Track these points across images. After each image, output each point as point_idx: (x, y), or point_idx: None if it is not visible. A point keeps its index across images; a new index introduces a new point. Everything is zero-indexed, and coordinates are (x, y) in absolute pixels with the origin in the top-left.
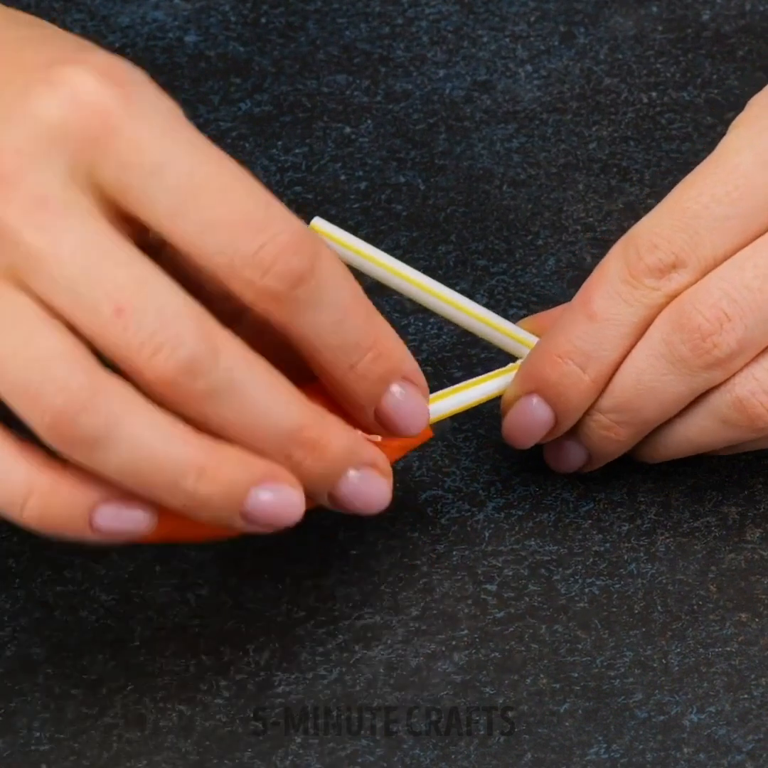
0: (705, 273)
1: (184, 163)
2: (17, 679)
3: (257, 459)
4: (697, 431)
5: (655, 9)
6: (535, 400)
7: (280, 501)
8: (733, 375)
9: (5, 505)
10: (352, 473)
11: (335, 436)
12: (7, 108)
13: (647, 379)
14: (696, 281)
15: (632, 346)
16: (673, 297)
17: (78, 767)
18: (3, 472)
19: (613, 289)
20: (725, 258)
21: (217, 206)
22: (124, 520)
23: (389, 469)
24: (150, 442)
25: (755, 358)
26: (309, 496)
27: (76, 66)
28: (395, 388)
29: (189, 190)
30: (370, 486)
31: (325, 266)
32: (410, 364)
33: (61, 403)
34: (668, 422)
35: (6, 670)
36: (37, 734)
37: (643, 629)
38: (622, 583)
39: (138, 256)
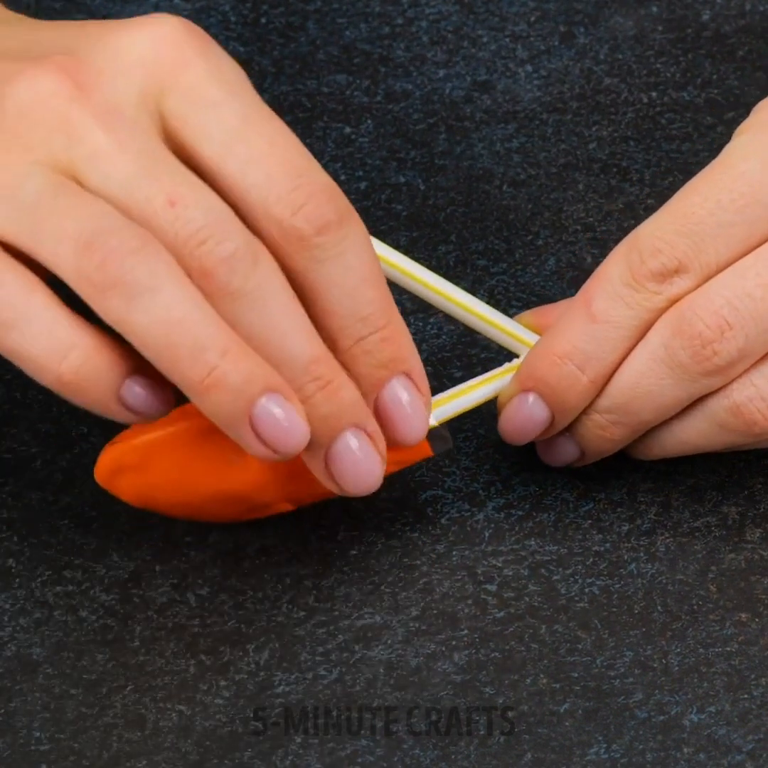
0: (707, 279)
1: (241, 105)
2: (17, 679)
3: (277, 373)
4: (694, 434)
5: (655, 9)
6: (532, 397)
7: (289, 419)
8: (732, 380)
9: (45, 356)
10: (351, 435)
11: (346, 384)
12: (92, 41)
13: (646, 383)
14: (697, 287)
15: (631, 349)
16: (674, 301)
17: (78, 767)
18: (50, 324)
19: (615, 291)
20: (728, 265)
21: (264, 146)
22: (149, 400)
23: (385, 454)
24: (187, 307)
25: (754, 365)
26: (309, 446)
27: (160, 15)
28: (398, 383)
29: (241, 127)
30: (365, 456)
31: (354, 229)
32: (418, 367)
33: (115, 243)
34: (665, 423)
35: (6, 670)
36: (37, 734)
37: (643, 629)
38: (622, 583)
39: (192, 173)
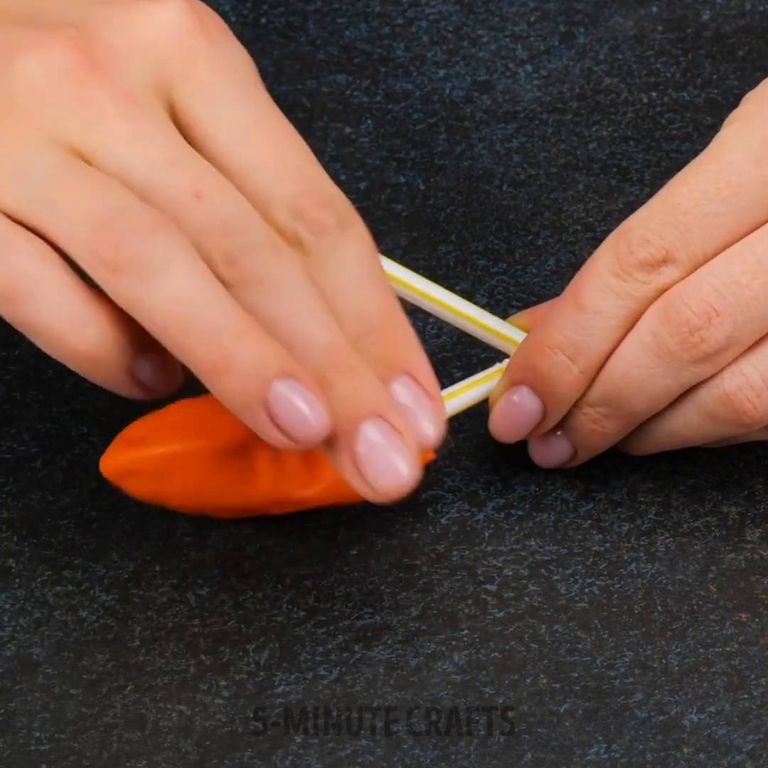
0: (695, 269)
1: (252, 106)
2: (17, 679)
3: (294, 359)
4: (685, 425)
5: (655, 9)
6: (523, 391)
7: (307, 404)
8: (721, 370)
9: (61, 329)
10: (373, 426)
11: (368, 372)
12: (104, 15)
13: (635, 372)
14: (685, 277)
15: (621, 339)
16: (662, 291)
17: (78, 767)
18: (68, 297)
19: (603, 281)
20: (715, 254)
21: (270, 150)
22: (160, 379)
23: (416, 450)
24: (202, 289)
25: (743, 354)
26: (332, 440)
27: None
28: (399, 383)
29: (250, 129)
30: (392, 448)
31: (354, 234)
32: (422, 366)
33: (129, 224)
34: (656, 416)
35: (6, 670)
36: (37, 734)
37: (643, 629)
38: (622, 583)
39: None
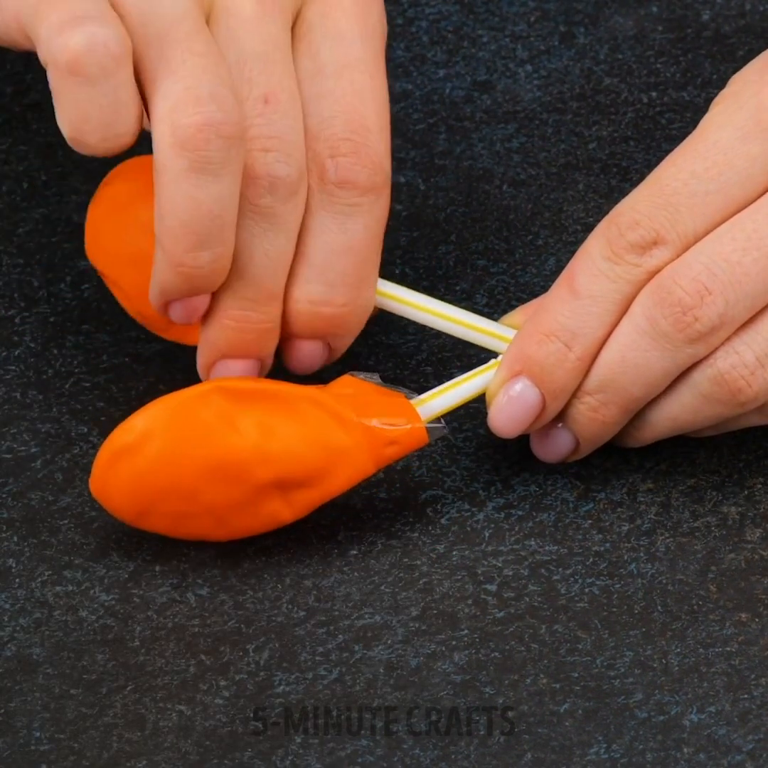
0: (686, 249)
1: (359, 50)
2: (17, 679)
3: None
4: (680, 408)
5: (655, 9)
6: (522, 382)
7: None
8: (715, 349)
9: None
10: None
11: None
12: None
13: (631, 356)
14: (677, 257)
15: (616, 324)
16: (654, 273)
17: (78, 767)
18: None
19: (596, 266)
20: (706, 233)
21: (349, 93)
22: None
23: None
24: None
25: (736, 332)
26: None
27: None
28: (308, 346)
29: (343, 68)
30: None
31: (373, 203)
32: (344, 342)
33: (216, 116)
34: (653, 402)
35: (6, 670)
36: (37, 734)
37: (643, 629)
38: (622, 583)
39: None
